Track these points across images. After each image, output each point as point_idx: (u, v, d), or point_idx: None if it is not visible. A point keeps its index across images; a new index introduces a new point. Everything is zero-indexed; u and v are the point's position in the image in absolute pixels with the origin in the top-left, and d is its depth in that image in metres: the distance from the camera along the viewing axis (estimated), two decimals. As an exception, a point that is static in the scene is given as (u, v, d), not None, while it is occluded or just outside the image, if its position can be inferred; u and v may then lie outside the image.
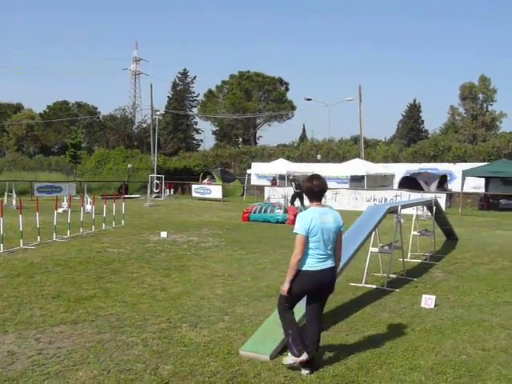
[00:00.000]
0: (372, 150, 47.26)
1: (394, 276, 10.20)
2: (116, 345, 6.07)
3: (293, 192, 25.89)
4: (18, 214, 13.49)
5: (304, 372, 5.32)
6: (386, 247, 10.05)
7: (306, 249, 5.36)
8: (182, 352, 5.86)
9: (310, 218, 5.35)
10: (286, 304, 5.57)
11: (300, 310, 5.87)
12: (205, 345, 6.09)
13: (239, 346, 6.01)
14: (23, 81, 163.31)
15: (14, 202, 25.30)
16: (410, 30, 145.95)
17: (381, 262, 10.32)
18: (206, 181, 40.01)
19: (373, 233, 9.51)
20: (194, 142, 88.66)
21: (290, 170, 36.68)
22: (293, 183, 25.66)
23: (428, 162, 38.51)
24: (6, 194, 27.63)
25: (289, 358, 5.49)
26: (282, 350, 5.82)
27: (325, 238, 5.37)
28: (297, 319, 6.10)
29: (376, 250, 9.87)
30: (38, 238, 13.78)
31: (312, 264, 5.37)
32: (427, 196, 22.40)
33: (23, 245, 12.99)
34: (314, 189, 5.50)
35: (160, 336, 6.39)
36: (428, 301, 8.08)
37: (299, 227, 5.36)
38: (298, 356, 5.36)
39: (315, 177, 5.63)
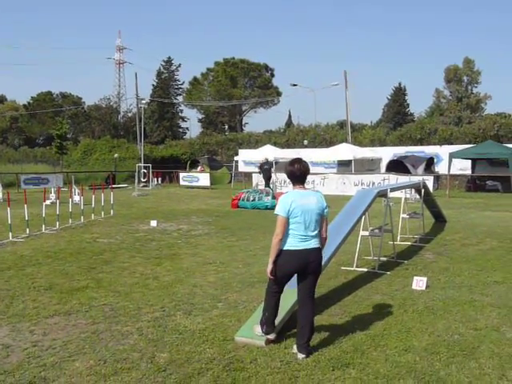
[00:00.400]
0: (359, 134, 47.30)
1: (384, 259, 10.27)
2: (111, 335, 6.08)
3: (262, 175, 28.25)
4: (6, 207, 13.41)
5: (300, 356, 5.36)
6: (377, 230, 10.11)
7: (289, 230, 5.46)
8: (178, 340, 5.88)
9: (291, 200, 5.43)
10: (275, 287, 5.67)
11: (295, 293, 5.91)
12: (200, 332, 6.12)
13: (234, 332, 6.03)
14: (6, 72, 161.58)
15: (0, 195, 25.15)
16: (395, 13, 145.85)
17: (371, 246, 10.39)
18: (199, 168, 39.75)
19: (363, 217, 9.56)
20: (180, 130, 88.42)
21: (277, 155, 36.68)
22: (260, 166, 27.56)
23: (414, 145, 38.63)
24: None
25: (258, 328, 5.78)
26: (277, 334, 5.84)
27: (306, 219, 5.43)
28: (291, 303, 6.18)
29: (366, 233, 9.92)
30: (27, 230, 13.71)
31: (294, 244, 5.46)
32: (415, 179, 22.50)
33: (12, 237, 12.92)
34: (295, 172, 5.55)
35: (155, 325, 6.41)
36: (419, 282, 8.15)
37: (280, 209, 5.47)
38: (266, 334, 5.71)
39: (296, 160, 5.67)
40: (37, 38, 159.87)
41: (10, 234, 13.00)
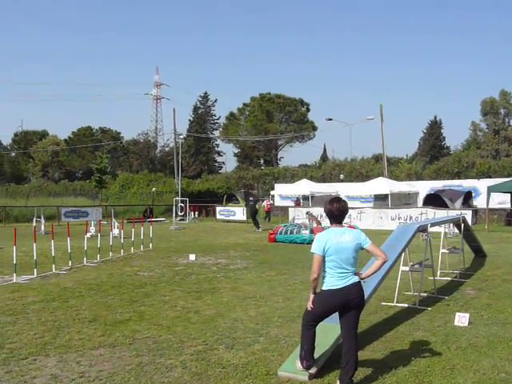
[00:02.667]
0: (395, 168, 47.09)
1: (424, 294, 10.18)
2: (155, 367, 6.15)
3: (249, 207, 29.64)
4: (48, 240, 13.71)
5: (343, 392, 5.36)
6: (417, 265, 10.04)
7: (327, 268, 5.54)
8: (221, 374, 5.92)
9: (326, 239, 5.52)
10: (310, 321, 5.72)
11: (338, 328, 5.93)
12: (243, 366, 6.15)
13: (277, 366, 6.05)
14: (48, 108, 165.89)
15: (42, 228, 25.67)
16: (430, 46, 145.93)
17: (411, 281, 10.30)
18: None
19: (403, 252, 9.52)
20: (216, 164, 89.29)
21: (313, 190, 36.75)
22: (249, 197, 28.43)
23: (452, 178, 38.32)
24: (34, 219, 28.02)
25: (299, 364, 5.80)
26: (319, 369, 5.85)
27: (342, 257, 5.48)
28: (334, 338, 6.19)
29: (407, 268, 9.87)
30: (70, 262, 14.00)
31: (333, 282, 5.50)
32: (453, 213, 22.28)
33: (55, 269, 13.20)
34: (334, 211, 5.61)
35: (198, 358, 6.46)
36: (462, 319, 8.05)
37: (315, 247, 5.55)
38: (306, 370, 5.71)
39: (335, 200, 5.75)
40: (77, 75, 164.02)
41: (54, 266, 13.28)
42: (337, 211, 5.60)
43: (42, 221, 27.03)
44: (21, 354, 6.63)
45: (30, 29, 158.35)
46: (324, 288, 5.56)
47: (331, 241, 5.47)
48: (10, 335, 7.48)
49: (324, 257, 5.49)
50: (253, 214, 29.53)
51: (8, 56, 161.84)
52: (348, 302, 5.49)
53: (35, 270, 12.59)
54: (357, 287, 5.54)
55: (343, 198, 5.91)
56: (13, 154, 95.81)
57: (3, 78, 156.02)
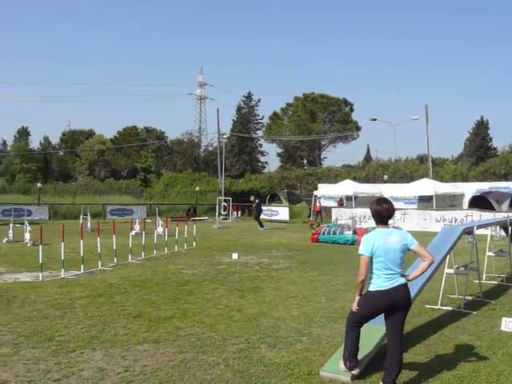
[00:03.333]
0: (440, 169, 46.38)
1: (470, 298, 10.02)
2: (198, 364, 6.23)
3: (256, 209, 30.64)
4: (94, 237, 13.99)
5: (385, 394, 5.33)
6: (462, 268, 9.89)
7: (374, 269, 5.51)
8: (263, 372, 5.96)
9: (373, 240, 5.48)
10: (355, 323, 5.71)
11: (382, 330, 5.91)
12: (285, 365, 6.18)
13: (319, 366, 6.06)
14: (95, 108, 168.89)
15: (88, 225, 26.17)
16: (476, 47, 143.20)
17: (456, 284, 10.16)
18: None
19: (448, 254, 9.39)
20: (260, 164, 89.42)
21: (356, 190, 36.50)
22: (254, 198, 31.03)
23: (499, 180, 37.52)
24: (81, 216, 28.59)
25: (342, 364, 5.80)
26: (362, 370, 5.83)
27: (390, 257, 5.45)
28: (378, 340, 6.17)
29: (451, 271, 9.73)
30: (115, 259, 14.26)
31: (380, 284, 5.48)
32: (500, 215, 21.82)
33: (101, 266, 13.47)
34: (382, 212, 5.57)
35: (240, 356, 6.52)
36: (509, 324, 7.90)
37: (363, 249, 5.53)
38: (349, 370, 5.71)
39: (384, 200, 5.71)
40: (122, 75, 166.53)
41: (100, 262, 13.56)
42: (385, 212, 5.57)
43: (89, 218, 27.56)
44: (69, 346, 6.81)
45: (76, 30, 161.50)
46: (371, 289, 5.54)
47: (379, 242, 5.45)
48: (58, 328, 7.69)
49: (371, 258, 5.46)
50: (258, 214, 30.59)
51: (55, 57, 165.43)
52: (395, 304, 5.46)
53: (82, 266, 12.89)
54: (404, 289, 5.51)
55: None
56: (61, 153, 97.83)
57: (51, 79, 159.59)
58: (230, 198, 38.91)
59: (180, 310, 9.01)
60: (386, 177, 44.55)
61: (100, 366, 6.12)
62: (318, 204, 36.92)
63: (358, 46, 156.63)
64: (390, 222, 5.71)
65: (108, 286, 11.13)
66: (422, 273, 5.72)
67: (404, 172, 46.22)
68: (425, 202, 34.71)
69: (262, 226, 29.47)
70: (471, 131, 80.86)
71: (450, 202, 34.88)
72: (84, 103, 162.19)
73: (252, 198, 32.27)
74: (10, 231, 20.46)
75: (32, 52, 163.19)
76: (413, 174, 44.48)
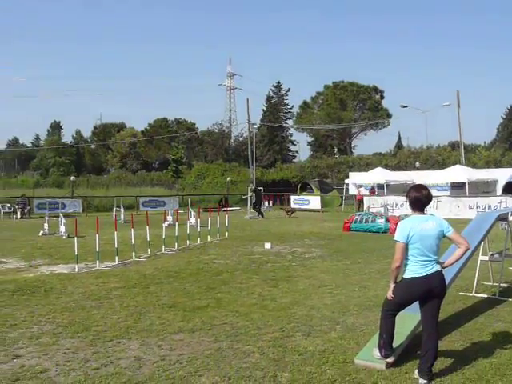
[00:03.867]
0: (472, 155, 45.76)
1: (505, 285, 9.89)
2: (233, 353, 6.28)
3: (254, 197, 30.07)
4: (127, 228, 14.13)
5: (422, 382, 5.29)
6: (497, 255, 9.75)
7: (409, 256, 5.46)
8: (298, 360, 5.98)
9: (410, 227, 5.44)
10: (390, 310, 5.68)
11: (416, 317, 5.88)
12: (319, 353, 6.19)
13: (353, 354, 6.06)
14: (126, 100, 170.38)
15: (121, 217, 26.47)
16: (508, 31, 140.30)
17: (491, 271, 10.03)
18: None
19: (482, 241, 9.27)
20: (290, 153, 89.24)
21: (388, 178, 36.23)
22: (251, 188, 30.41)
23: (533, 166, 36.90)
24: (114, 208, 28.92)
25: (377, 352, 5.77)
26: (397, 358, 5.81)
27: (426, 244, 5.40)
28: (412, 328, 6.14)
29: (486, 258, 9.61)
30: (149, 250, 14.42)
31: (416, 270, 5.44)
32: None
33: (135, 257, 13.64)
34: (422, 199, 5.52)
35: (275, 344, 6.55)
36: (546, 310, 7.78)
37: (398, 235, 5.48)
38: (384, 358, 5.69)
39: (423, 187, 5.67)
40: (152, 68, 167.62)
41: (134, 253, 13.73)
42: (424, 198, 5.52)
43: (122, 210, 27.89)
44: (106, 336, 6.93)
45: (103, 22, 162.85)
46: (406, 276, 5.51)
47: (415, 228, 5.40)
48: (95, 319, 7.82)
49: (407, 245, 5.43)
50: (258, 202, 30.64)
51: (85, 51, 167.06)
52: (431, 291, 5.42)
53: (116, 257, 13.06)
54: (439, 276, 5.48)
55: None
56: (93, 146, 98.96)
57: (81, 73, 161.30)
58: (262, 188, 38.95)
59: (214, 299, 9.08)
60: (417, 164, 44.15)
61: (137, 355, 6.21)
62: (359, 193, 36.65)
63: (388, 31, 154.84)
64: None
65: (142, 276, 11.27)
66: (457, 260, 5.67)
67: (436, 159, 45.78)
68: (457, 188, 34.34)
69: (261, 214, 29.62)
70: (504, 116, 79.49)
71: (483, 188, 34.43)
72: (115, 96, 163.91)
73: (251, 187, 31.91)
74: (46, 224, 20.81)
75: (62, 47, 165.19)
76: (445, 160, 44.04)
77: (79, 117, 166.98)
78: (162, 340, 6.78)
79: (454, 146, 57.70)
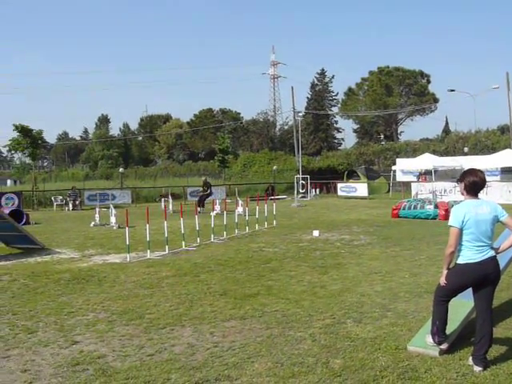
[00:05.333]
0: (524, 139, 44.58)
1: (562, 271, 9.64)
2: (285, 339, 6.32)
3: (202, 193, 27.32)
4: (176, 218, 14.30)
5: (476, 369, 5.23)
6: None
7: (464, 241, 5.37)
8: (350, 347, 5.98)
9: (464, 211, 5.33)
10: (443, 297, 5.61)
11: (469, 304, 5.81)
12: (371, 340, 6.18)
13: (406, 341, 6.02)
14: (171, 92, 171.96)
15: (170, 207, 26.80)
16: None
17: (547, 257, 9.79)
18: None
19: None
20: (336, 141, 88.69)
21: (436, 164, 35.66)
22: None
23: None
24: (163, 199, 29.29)
25: (430, 339, 5.72)
26: (450, 345, 5.75)
27: (481, 229, 5.31)
28: (465, 314, 6.07)
29: (541, 243, 9.36)
30: (198, 239, 14.59)
31: (470, 256, 5.35)
32: None
33: (185, 246, 13.82)
34: (479, 183, 5.41)
35: (326, 331, 6.56)
36: None
37: (453, 220, 5.38)
38: (438, 345, 5.64)
39: (479, 170, 5.55)
40: (196, 59, 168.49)
41: (183, 242, 13.91)
42: (481, 182, 5.41)
43: (170, 200, 28.24)
44: (159, 323, 7.06)
45: (146, 15, 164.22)
46: (460, 262, 5.43)
47: (470, 213, 5.31)
48: (148, 306, 7.98)
49: (461, 230, 5.36)
50: (206, 195, 27.60)
51: (129, 44, 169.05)
52: (485, 277, 5.34)
53: (167, 246, 13.26)
54: (494, 261, 5.39)
55: None
56: (140, 138, 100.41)
57: (127, 66, 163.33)
58: (308, 176, 38.88)
59: (264, 287, 9.15)
60: (466, 149, 43.36)
61: (190, 341, 6.31)
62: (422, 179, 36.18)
63: (430, 16, 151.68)
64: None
65: (193, 265, 11.42)
66: None
67: (485, 143, 44.86)
68: (508, 173, 33.58)
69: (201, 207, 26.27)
70: (558, 97, 77.03)
71: (535, 172, 33.56)
72: (160, 88, 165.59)
73: (204, 179, 28.86)
74: (97, 215, 21.22)
75: (107, 40, 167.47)
76: (494, 145, 43.11)
77: (126, 109, 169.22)
78: (214, 327, 6.88)
79: (503, 129, 56.43)
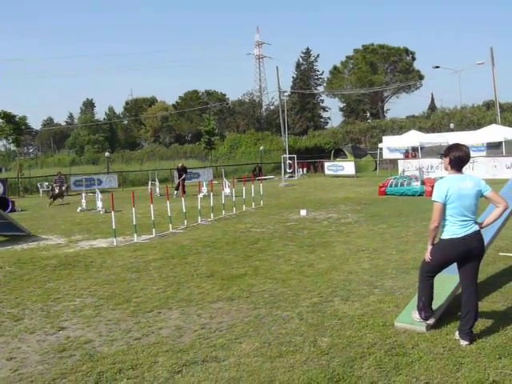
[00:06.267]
0: (508, 114, 44.75)
1: (546, 244, 9.72)
2: (273, 319, 6.31)
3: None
4: (163, 201, 14.25)
5: (463, 343, 5.25)
6: (537, 214, 9.55)
7: (448, 216, 5.36)
8: (338, 325, 5.99)
9: (447, 186, 5.32)
10: (429, 273, 5.62)
11: (455, 279, 5.82)
12: (359, 317, 6.18)
13: (393, 318, 6.04)
14: (156, 74, 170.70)
15: (157, 190, 26.71)
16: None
17: (532, 230, 9.86)
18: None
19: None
20: (322, 120, 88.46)
21: (422, 141, 35.72)
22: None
23: None
24: (149, 182, 29.18)
25: (416, 315, 5.73)
26: (437, 320, 5.77)
27: (465, 204, 5.30)
28: (451, 289, 6.08)
29: (526, 217, 9.41)
30: (185, 221, 14.55)
31: (454, 231, 5.34)
32: None
33: (172, 229, 13.77)
34: (464, 157, 5.39)
35: (314, 310, 6.57)
36: None
37: (436, 195, 5.36)
38: (424, 320, 5.65)
39: (463, 145, 5.52)
40: (179, 41, 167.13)
41: (170, 225, 13.87)
42: (466, 156, 5.39)
43: (157, 183, 28.13)
44: (146, 307, 7.04)
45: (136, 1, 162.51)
46: (444, 237, 5.42)
47: (453, 188, 5.29)
48: (135, 290, 7.95)
49: (445, 205, 5.35)
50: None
51: (111, 28, 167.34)
52: (470, 251, 5.34)
53: (154, 229, 13.20)
54: (478, 236, 5.38)
55: None
56: (125, 122, 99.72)
57: (110, 51, 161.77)
58: (295, 156, 38.84)
59: (252, 267, 9.14)
60: (452, 125, 43.44)
61: (177, 324, 6.30)
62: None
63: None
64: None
65: (180, 247, 11.39)
66: (496, 219, 5.55)
67: (471, 119, 44.97)
68: (494, 148, 33.72)
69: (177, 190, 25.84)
70: (542, 72, 77.22)
71: (520, 147, 33.71)
72: (144, 71, 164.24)
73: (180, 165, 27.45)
74: (83, 200, 21.12)
75: (90, 24, 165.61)
76: (480, 120, 43.24)
77: (111, 93, 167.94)
78: (202, 309, 6.86)
79: (488, 105, 56.46)
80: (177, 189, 25.90)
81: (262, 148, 44.26)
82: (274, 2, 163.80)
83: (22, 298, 7.84)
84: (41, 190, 32.14)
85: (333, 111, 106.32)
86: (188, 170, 27.55)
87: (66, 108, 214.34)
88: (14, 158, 34.48)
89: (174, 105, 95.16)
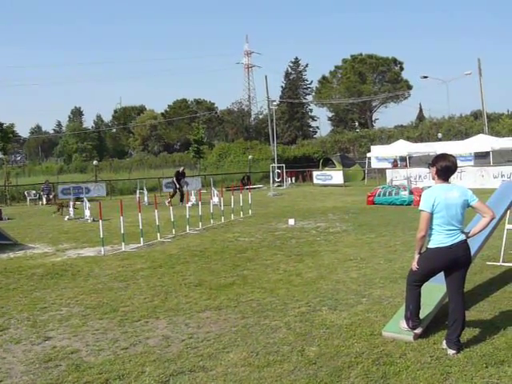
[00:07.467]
0: (496, 124, 45.10)
1: (533, 253, 9.76)
2: (260, 328, 6.30)
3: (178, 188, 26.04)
4: (151, 210, 14.21)
5: (450, 352, 5.26)
6: (524, 223, 9.61)
7: (434, 225, 5.39)
8: (325, 334, 5.98)
9: (434, 195, 5.35)
10: (416, 282, 5.63)
11: (442, 288, 5.84)
12: (346, 327, 6.18)
13: (381, 327, 6.04)
14: (144, 83, 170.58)
15: (145, 199, 26.63)
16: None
17: (518, 240, 9.90)
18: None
19: (508, 210, 9.14)
20: (311, 129, 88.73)
21: (410, 150, 35.91)
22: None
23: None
24: (137, 191, 29.10)
25: (404, 324, 5.74)
26: (424, 329, 5.78)
27: (451, 213, 5.33)
28: (439, 298, 6.10)
29: (512, 227, 9.47)
30: (173, 230, 14.50)
31: (441, 240, 5.37)
32: None
33: (160, 238, 13.73)
34: (451, 167, 5.43)
35: (302, 319, 6.56)
36: None
37: (423, 204, 5.40)
38: (412, 330, 5.66)
39: (450, 155, 5.56)
40: (169, 50, 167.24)
41: (158, 234, 13.82)
42: (453, 166, 5.43)
43: (145, 192, 28.06)
44: (134, 316, 7.00)
45: (126, 9, 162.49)
46: (431, 246, 5.44)
47: (440, 197, 5.32)
48: (122, 299, 7.90)
49: (432, 214, 5.37)
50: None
51: (100, 36, 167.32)
52: (456, 260, 5.37)
53: (141, 238, 13.16)
54: (464, 245, 5.41)
55: None
56: (114, 130, 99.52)
57: (99, 59, 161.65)
58: (284, 165, 38.89)
59: (240, 276, 9.12)
60: (440, 135, 43.73)
61: (165, 333, 6.26)
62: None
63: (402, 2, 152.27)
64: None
65: (168, 256, 11.35)
66: (483, 229, 5.58)
67: (458, 129, 45.24)
68: (481, 158, 33.96)
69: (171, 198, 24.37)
70: (528, 82, 77.94)
71: (507, 157, 33.99)
72: (133, 80, 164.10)
73: (181, 170, 27.67)
74: (71, 209, 21.00)
75: (78, 32, 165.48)
76: (467, 130, 43.56)
77: (99, 102, 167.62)
78: (190, 318, 6.83)
79: (476, 115, 56.92)
80: (181, 200, 24.85)
81: (250, 157, 44.30)
82: (263, 11, 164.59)
83: (7, 307, 7.77)
84: (28, 198, 31.96)
85: (321, 120, 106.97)
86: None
87: (54, 116, 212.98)
88: (1, 166, 34.23)
89: (162, 113, 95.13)
